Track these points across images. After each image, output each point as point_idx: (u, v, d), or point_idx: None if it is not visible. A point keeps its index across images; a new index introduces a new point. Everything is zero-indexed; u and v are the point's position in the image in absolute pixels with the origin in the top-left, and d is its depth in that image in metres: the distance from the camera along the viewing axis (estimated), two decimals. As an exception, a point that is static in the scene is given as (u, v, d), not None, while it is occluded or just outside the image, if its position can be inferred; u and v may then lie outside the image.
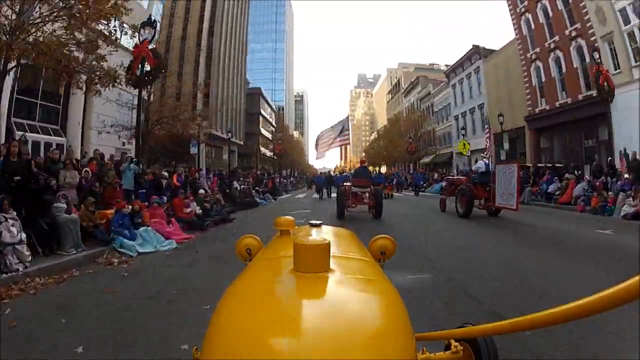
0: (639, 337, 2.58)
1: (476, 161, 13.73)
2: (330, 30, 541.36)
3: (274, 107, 53.36)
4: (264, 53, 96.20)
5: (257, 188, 16.50)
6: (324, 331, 0.74)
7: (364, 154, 61.63)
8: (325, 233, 1.65)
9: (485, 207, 10.57)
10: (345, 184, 12.22)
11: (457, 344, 1.25)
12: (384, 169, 56.85)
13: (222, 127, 36.88)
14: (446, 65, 60.04)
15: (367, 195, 10.91)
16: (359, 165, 14.72)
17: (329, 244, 0.99)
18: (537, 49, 25.36)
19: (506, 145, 22.47)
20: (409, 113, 40.11)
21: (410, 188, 26.93)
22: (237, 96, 40.54)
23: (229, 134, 24.46)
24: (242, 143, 37.92)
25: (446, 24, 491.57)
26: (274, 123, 51.86)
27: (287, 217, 1.71)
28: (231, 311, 0.90)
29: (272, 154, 48.89)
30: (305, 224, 1.77)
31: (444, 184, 16.56)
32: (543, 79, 24.98)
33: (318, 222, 1.71)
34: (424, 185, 27.71)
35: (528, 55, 26.22)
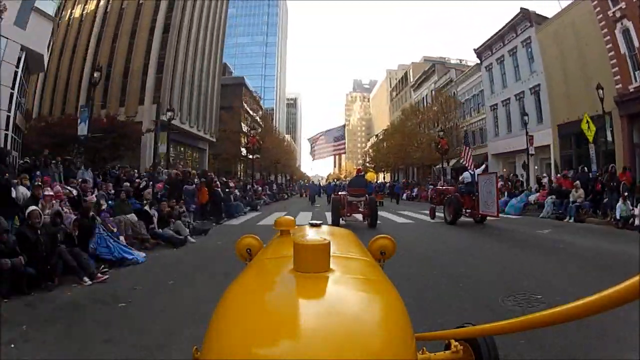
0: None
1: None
2: (325, 33, 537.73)
3: (258, 99, 44.36)
4: (254, 47, 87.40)
5: (148, 209, 7.10)
6: (324, 331, 0.73)
7: (360, 162, 54.25)
8: (325, 233, 1.65)
9: (471, 215, 11.02)
10: (340, 192, 12.35)
11: (457, 343, 1.27)
12: (385, 178, 48.60)
13: (188, 120, 28.53)
14: (459, 60, 52.37)
15: (362, 204, 10.85)
16: (355, 173, 13.57)
17: (329, 244, 0.99)
18: (622, 4, 17.76)
19: (609, 135, 14.28)
20: (434, 99, 30.40)
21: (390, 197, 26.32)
22: (209, 82, 32.04)
23: (170, 114, 15.99)
24: (214, 139, 29.42)
25: (446, 26, 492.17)
26: (259, 120, 43.09)
27: (287, 216, 1.72)
28: (231, 311, 0.89)
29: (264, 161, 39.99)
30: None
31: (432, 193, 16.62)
32: (636, 44, 17.23)
33: (318, 222, 1.71)
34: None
35: (609, 13, 18.51)
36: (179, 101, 25.58)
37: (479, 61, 28.41)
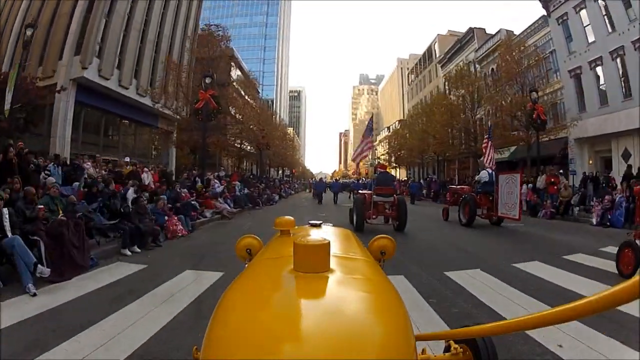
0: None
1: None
2: (330, 27, 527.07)
3: (246, 70, 35.95)
4: (252, 28, 79.16)
5: None
6: (324, 331, 0.73)
7: (381, 158, 47.57)
8: (325, 233, 1.65)
9: (487, 216, 10.63)
10: (364, 191, 11.31)
11: (456, 346, 1.29)
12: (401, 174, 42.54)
13: (135, 85, 21.03)
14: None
15: (389, 205, 9.71)
16: (379, 170, 11.37)
17: (328, 244, 0.98)
18: None
19: None
20: (505, 51, 19.44)
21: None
22: (175, 37, 23.72)
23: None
24: (178, 117, 21.38)
25: (456, 17, 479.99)
26: (257, 106, 34.68)
27: (287, 217, 1.69)
28: (231, 311, 0.88)
29: (253, 148, 32.44)
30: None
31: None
32: None
33: (318, 222, 1.74)
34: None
35: None
36: (116, 52, 17.91)
37: (545, 12, 20.66)
